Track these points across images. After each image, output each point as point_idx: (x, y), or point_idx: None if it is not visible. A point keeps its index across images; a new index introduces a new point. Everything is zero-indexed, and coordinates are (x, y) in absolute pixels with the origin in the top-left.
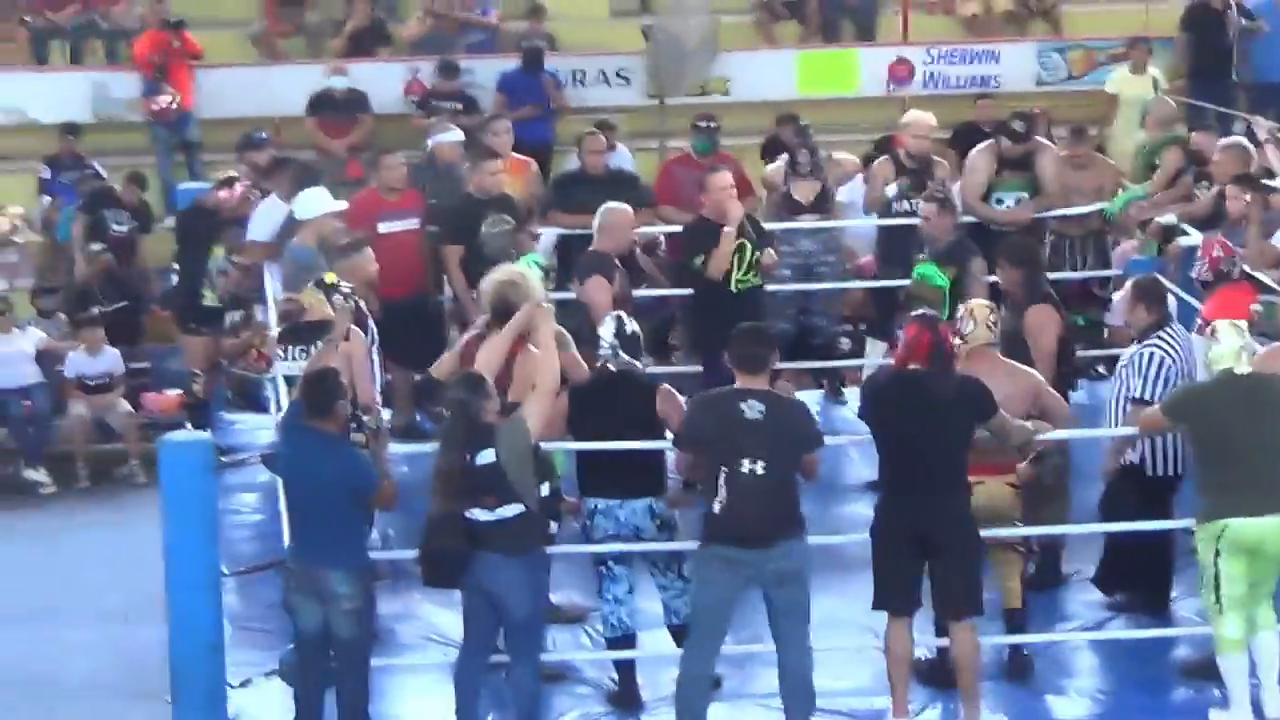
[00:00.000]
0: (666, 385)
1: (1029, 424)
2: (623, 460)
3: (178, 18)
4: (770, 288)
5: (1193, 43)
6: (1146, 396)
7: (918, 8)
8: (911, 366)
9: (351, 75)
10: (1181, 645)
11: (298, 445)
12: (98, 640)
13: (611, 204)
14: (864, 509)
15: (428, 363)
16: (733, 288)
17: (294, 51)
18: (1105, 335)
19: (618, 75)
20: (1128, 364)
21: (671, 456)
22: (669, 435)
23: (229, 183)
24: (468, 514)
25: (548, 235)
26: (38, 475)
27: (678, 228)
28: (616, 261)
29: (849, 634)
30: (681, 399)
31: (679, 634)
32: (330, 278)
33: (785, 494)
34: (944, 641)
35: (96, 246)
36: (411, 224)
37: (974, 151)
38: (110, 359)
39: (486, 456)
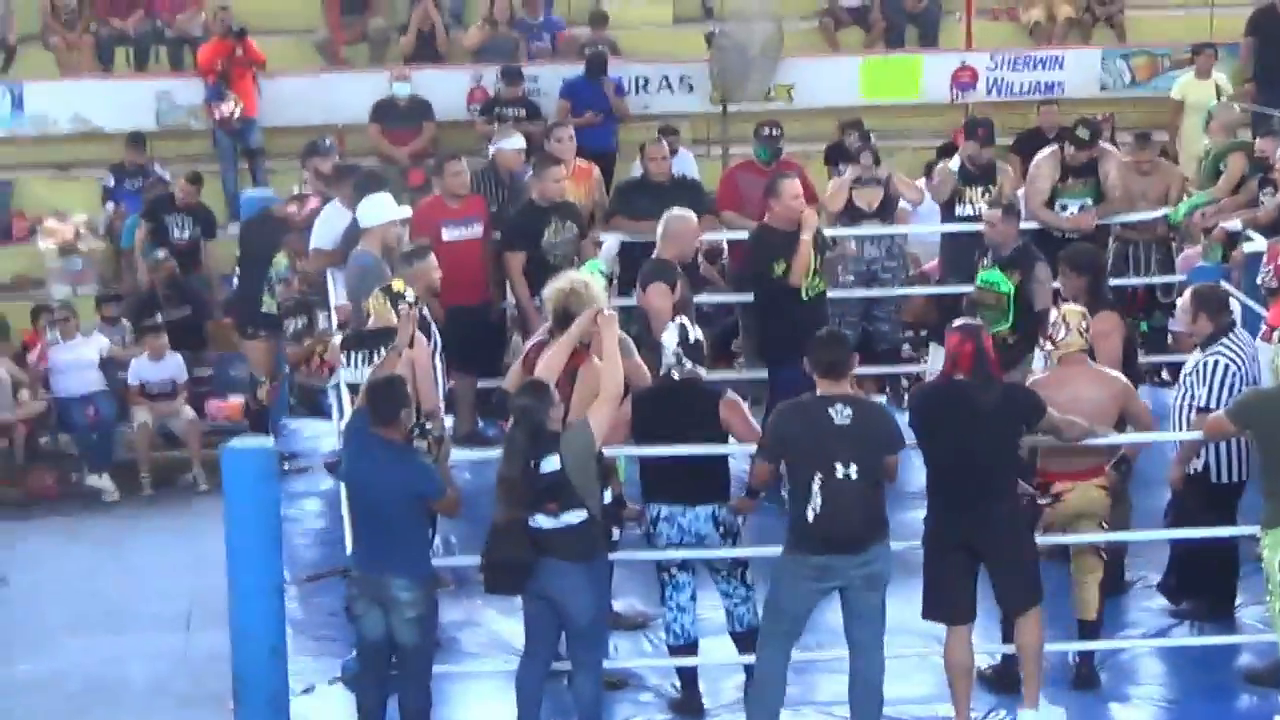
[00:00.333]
0: (731, 392)
1: (1081, 420)
2: (686, 467)
3: (241, 25)
4: (834, 294)
5: (1258, 47)
6: (1211, 405)
7: (982, 14)
8: (957, 377)
9: (415, 82)
10: (1246, 652)
11: (362, 452)
12: (161, 646)
13: (676, 211)
14: (922, 514)
15: (490, 370)
16: (804, 294)
17: (357, 59)
18: (1170, 341)
19: (681, 82)
20: (1192, 372)
21: (734, 463)
22: (734, 442)
23: (301, 199)
24: (531, 521)
25: (610, 242)
26: (101, 482)
27: (740, 234)
28: (679, 268)
29: (913, 641)
30: (745, 406)
31: (742, 641)
32: (397, 285)
33: (875, 497)
34: (1009, 648)
35: (160, 254)
36: (475, 231)
37: (1038, 158)
38: (173, 366)
39: (551, 464)
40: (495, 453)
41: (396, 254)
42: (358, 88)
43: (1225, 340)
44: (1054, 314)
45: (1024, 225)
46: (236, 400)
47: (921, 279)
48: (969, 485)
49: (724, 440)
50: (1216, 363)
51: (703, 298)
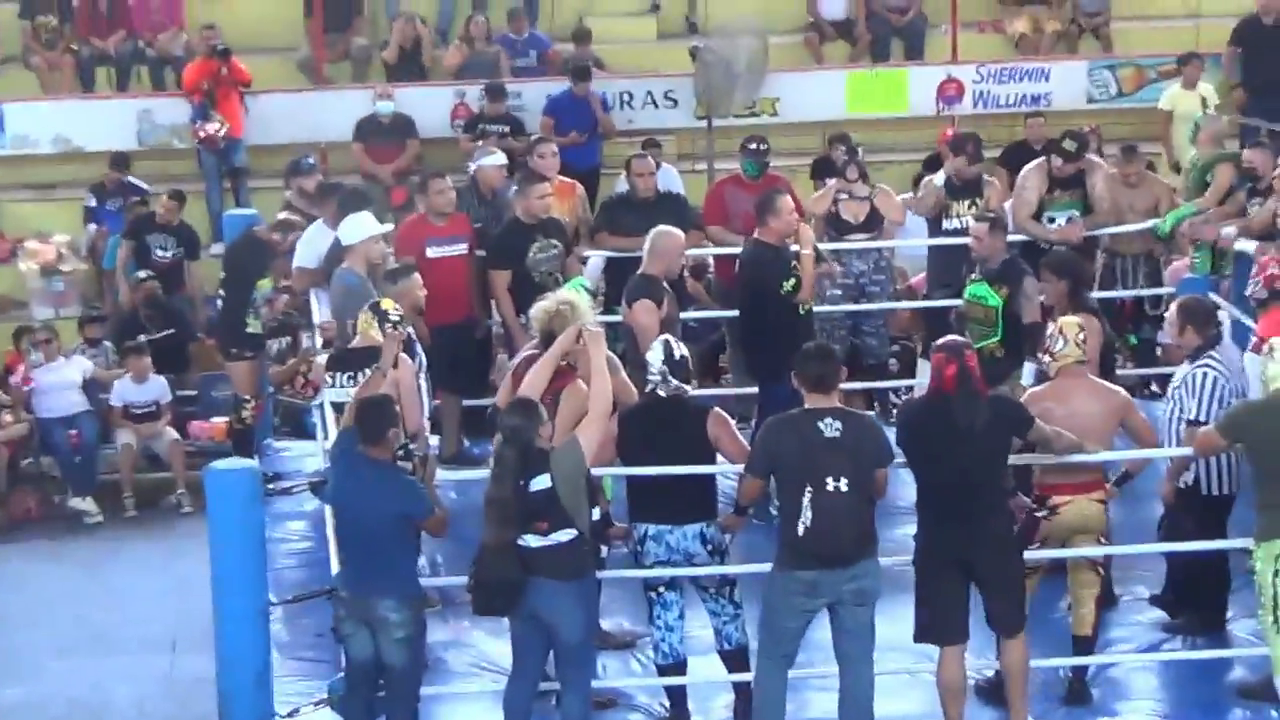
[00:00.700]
0: (718, 409)
1: (1068, 433)
2: (674, 485)
3: (225, 45)
4: (821, 308)
5: (1243, 58)
6: (1201, 418)
7: (967, 27)
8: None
9: (398, 100)
10: (1238, 666)
11: (349, 472)
12: (146, 670)
13: (663, 227)
14: (913, 530)
15: (476, 389)
16: (800, 310)
17: (340, 77)
18: (1158, 354)
19: (666, 97)
20: (1180, 385)
21: (722, 480)
22: (722, 460)
23: (285, 227)
24: (520, 540)
25: (595, 259)
26: (84, 505)
27: (726, 250)
28: (665, 285)
29: (903, 658)
30: (733, 422)
31: (730, 660)
32: (384, 303)
33: (866, 511)
34: None
35: (141, 274)
36: (460, 249)
37: (1025, 170)
38: (157, 387)
39: (541, 483)
40: (481, 473)
41: (381, 271)
42: (341, 106)
43: (1213, 353)
44: (1051, 326)
45: (1011, 238)
46: (220, 421)
47: (909, 293)
48: (960, 501)
49: (711, 457)
50: (1205, 375)
51: (689, 314)
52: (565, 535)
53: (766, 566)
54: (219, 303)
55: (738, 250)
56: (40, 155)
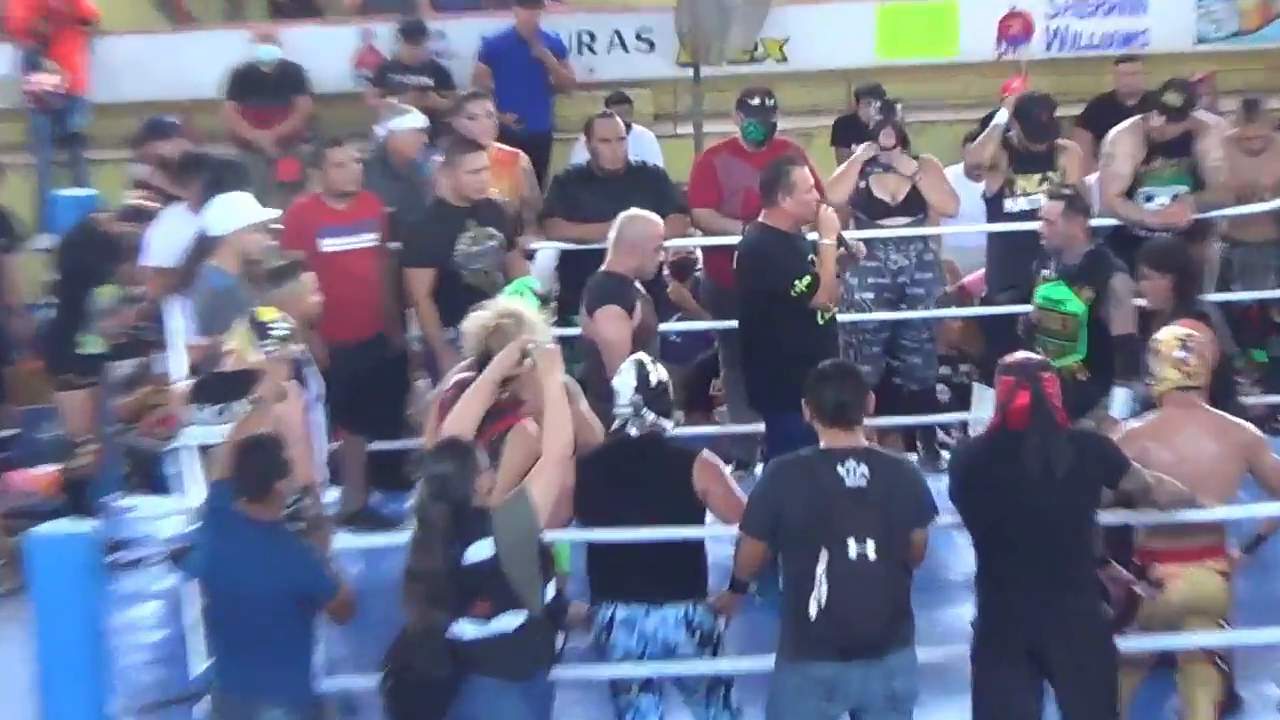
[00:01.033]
0: (707, 452)
1: (1175, 482)
2: (649, 554)
3: None
4: (846, 316)
5: None
6: None
7: None
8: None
9: (284, 44)
10: None
11: (225, 538)
12: None
13: (634, 211)
14: (969, 611)
15: (387, 426)
16: (820, 319)
17: (208, 15)
18: None
19: (638, 38)
20: None
21: (714, 546)
22: (714, 519)
23: (138, 214)
24: (451, 628)
25: (546, 252)
26: None
27: (721, 239)
28: (639, 286)
29: None
30: (727, 470)
31: None
32: (266, 313)
33: (899, 584)
34: None
35: None
36: (366, 240)
37: (1115, 132)
38: None
39: (480, 551)
40: (396, 537)
41: (260, 271)
42: (208, 52)
43: None
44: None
45: (1096, 222)
46: (47, 470)
47: (962, 296)
48: (1031, 572)
49: (698, 516)
50: None
51: (670, 325)
52: (511, 620)
53: (771, 660)
54: (47, 313)
55: (735, 240)
56: None
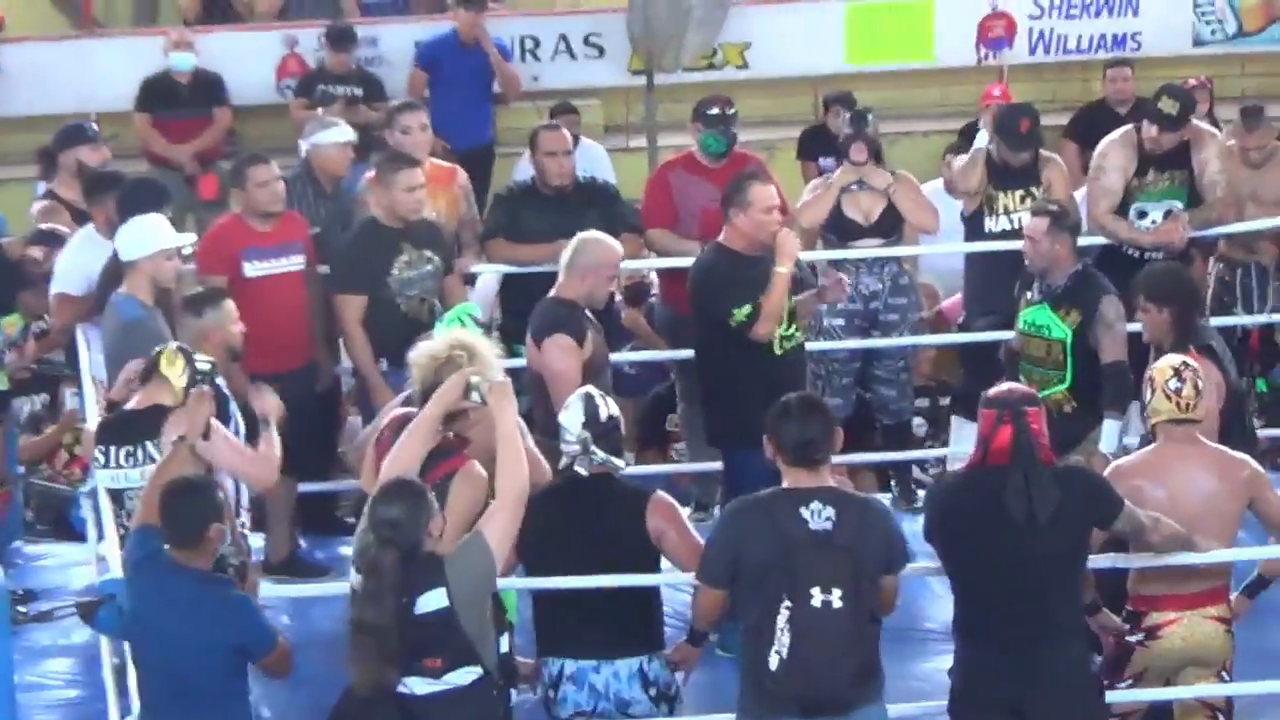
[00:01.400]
0: (662, 494)
1: (1171, 521)
2: (600, 603)
3: None
4: (816, 346)
5: None
6: None
7: None
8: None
9: (200, 51)
10: None
11: (155, 589)
12: None
13: (592, 234)
14: (948, 664)
15: (316, 466)
16: (776, 348)
17: (117, 19)
18: None
19: (587, 43)
20: None
21: (671, 594)
22: (668, 565)
23: (49, 238)
24: (399, 685)
25: (488, 277)
26: None
27: (677, 261)
28: (589, 314)
29: None
30: (684, 512)
31: None
32: (185, 348)
33: (867, 635)
34: None
35: None
36: (293, 264)
37: (1104, 143)
38: None
39: (433, 601)
40: (327, 586)
41: (177, 300)
42: (117, 60)
43: None
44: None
45: (1084, 241)
46: None
47: (939, 321)
48: (1014, 622)
49: (652, 561)
50: None
51: (623, 355)
52: (466, 676)
53: (733, 718)
54: None
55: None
56: None
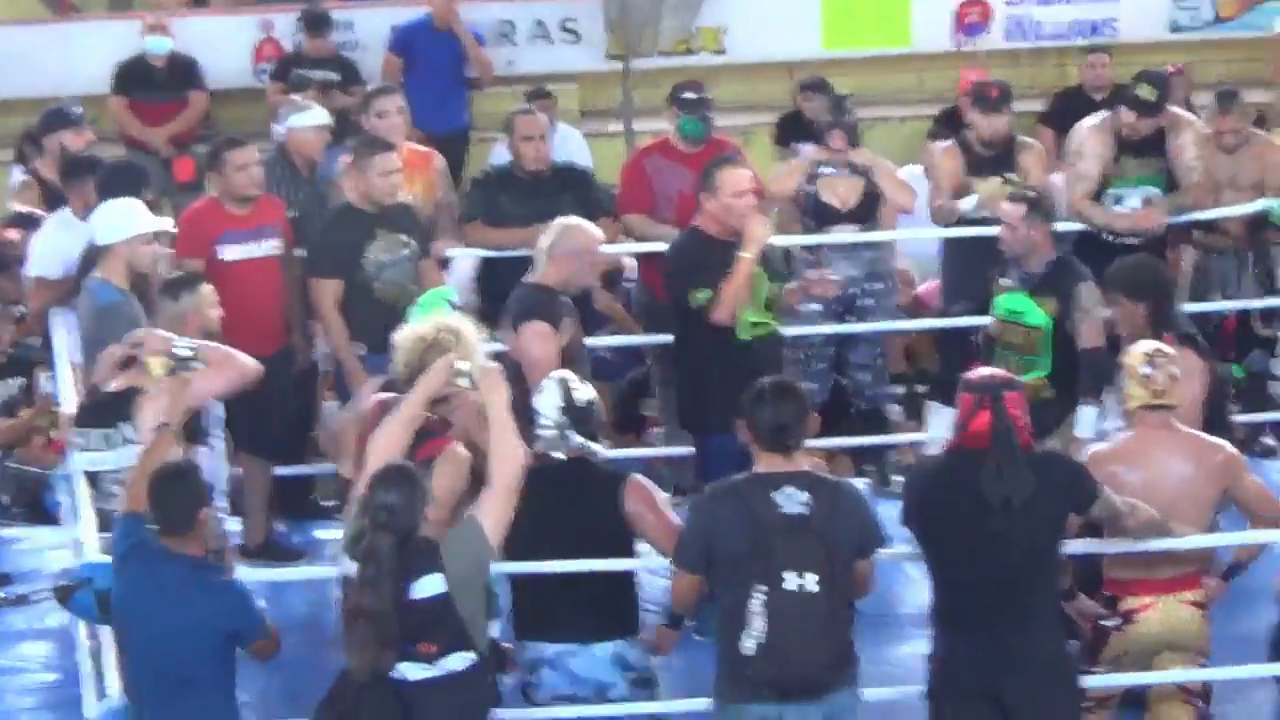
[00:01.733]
0: (638, 477)
1: (1146, 506)
2: (577, 587)
3: None
4: (792, 331)
5: None
6: None
7: None
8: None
9: (176, 35)
10: None
11: (146, 576)
12: None
13: (573, 221)
14: (925, 649)
15: (292, 450)
16: (743, 335)
17: (92, 3)
18: (1276, 392)
19: (563, 28)
20: None
21: (649, 579)
22: (646, 548)
23: (26, 221)
24: (393, 671)
25: (464, 261)
26: None
27: (653, 246)
28: (566, 300)
29: None
30: (662, 496)
31: None
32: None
33: (842, 619)
34: None
35: None
36: (270, 248)
37: (1081, 129)
38: None
39: (429, 587)
40: (303, 570)
41: (155, 284)
42: (93, 44)
43: None
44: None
45: (1061, 227)
46: None
47: (917, 307)
48: (990, 607)
49: (629, 544)
50: None
51: (600, 340)
52: (460, 661)
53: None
54: None
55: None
56: None
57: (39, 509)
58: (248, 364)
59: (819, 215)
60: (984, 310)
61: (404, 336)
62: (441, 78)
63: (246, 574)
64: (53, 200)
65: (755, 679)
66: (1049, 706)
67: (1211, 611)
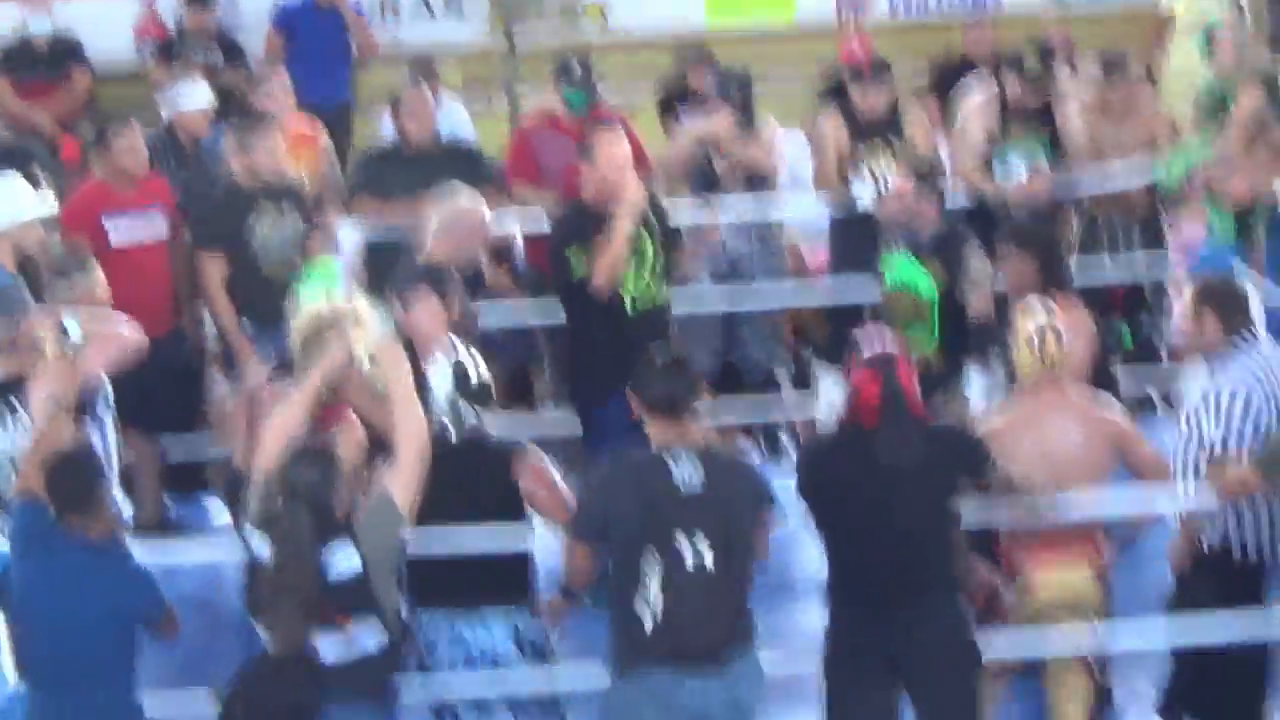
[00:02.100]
0: (531, 450)
1: (1029, 475)
2: (470, 560)
3: None
4: (682, 308)
5: None
6: (1230, 449)
7: None
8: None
9: (57, 13)
10: None
11: (46, 557)
12: None
13: (456, 197)
14: (820, 616)
15: (180, 427)
16: (627, 307)
17: None
18: (1163, 355)
19: (445, 4)
20: (1200, 404)
21: (548, 553)
22: (539, 520)
23: None
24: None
25: (350, 233)
26: None
27: (539, 227)
28: (454, 274)
29: None
30: (553, 470)
31: None
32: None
33: (738, 589)
34: None
35: None
36: (156, 228)
37: (968, 100)
38: None
39: (345, 562)
40: (195, 547)
41: (46, 265)
42: None
43: (1245, 355)
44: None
45: (953, 202)
46: None
47: (804, 276)
48: (886, 575)
49: (522, 517)
50: (1234, 392)
51: (491, 316)
52: (372, 637)
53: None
54: None
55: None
56: None
57: None
58: (131, 337)
59: (709, 185)
60: (875, 283)
61: (301, 317)
62: (323, 54)
63: (139, 551)
64: None
65: (650, 652)
66: (947, 673)
67: (1115, 575)
